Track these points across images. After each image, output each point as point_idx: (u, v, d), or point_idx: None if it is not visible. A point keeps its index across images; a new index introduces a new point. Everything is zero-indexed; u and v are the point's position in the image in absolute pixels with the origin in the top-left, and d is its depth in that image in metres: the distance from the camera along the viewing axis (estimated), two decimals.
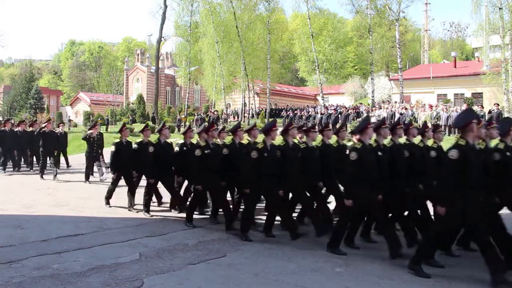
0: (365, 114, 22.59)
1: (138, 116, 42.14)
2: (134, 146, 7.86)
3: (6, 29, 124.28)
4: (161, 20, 35.15)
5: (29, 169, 14.32)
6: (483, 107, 18.89)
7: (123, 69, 59.73)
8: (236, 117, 37.62)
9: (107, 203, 8.14)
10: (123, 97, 56.54)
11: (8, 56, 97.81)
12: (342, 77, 40.09)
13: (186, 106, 37.25)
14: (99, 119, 33.94)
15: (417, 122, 18.76)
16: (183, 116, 32.40)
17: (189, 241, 5.75)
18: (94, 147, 11.32)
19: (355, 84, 46.20)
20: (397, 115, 19.57)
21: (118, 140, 8.12)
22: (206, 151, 6.47)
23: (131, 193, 7.95)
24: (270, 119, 23.70)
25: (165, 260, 4.87)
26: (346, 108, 26.76)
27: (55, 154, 13.16)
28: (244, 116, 35.17)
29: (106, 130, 30.93)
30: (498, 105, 17.49)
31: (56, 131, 13.44)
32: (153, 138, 7.93)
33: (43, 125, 12.60)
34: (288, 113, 29.66)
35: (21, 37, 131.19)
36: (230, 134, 7.24)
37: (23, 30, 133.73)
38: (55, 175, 11.87)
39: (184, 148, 7.42)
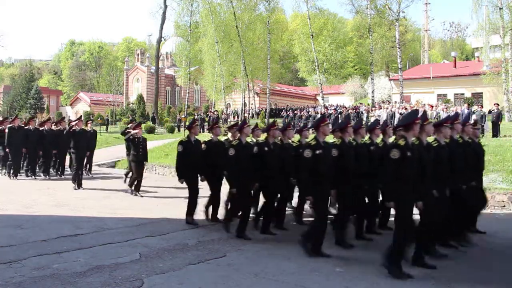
0: (365, 114, 22.61)
1: (138, 116, 42.14)
2: (203, 145, 6.95)
3: (6, 29, 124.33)
4: (161, 20, 35.25)
5: (57, 174, 12.65)
6: (482, 107, 18.87)
7: (123, 69, 59.74)
8: (236, 117, 37.64)
9: (191, 221, 6.73)
10: (123, 97, 56.55)
11: (8, 56, 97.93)
12: (342, 77, 40.13)
13: (186, 106, 37.27)
14: (99, 119, 33.95)
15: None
16: (183, 116, 32.42)
17: (189, 241, 5.75)
18: (140, 150, 9.57)
19: (355, 84, 46.23)
20: (397, 115, 19.56)
21: (185, 139, 6.98)
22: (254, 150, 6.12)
23: (193, 205, 6.80)
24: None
25: (165, 260, 4.87)
26: (346, 108, 26.76)
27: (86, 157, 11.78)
28: (244, 116, 35.17)
29: (106, 130, 30.95)
30: (498, 105, 17.46)
31: (87, 130, 11.91)
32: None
33: (73, 123, 11.07)
34: (288, 113, 29.66)
35: (21, 37, 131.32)
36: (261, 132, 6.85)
37: (23, 30, 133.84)
38: (79, 184, 10.33)
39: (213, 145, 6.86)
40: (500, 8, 23.61)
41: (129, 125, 11.51)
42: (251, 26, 32.87)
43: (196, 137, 7.09)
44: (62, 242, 5.45)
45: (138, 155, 9.57)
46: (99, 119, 33.95)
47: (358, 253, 5.37)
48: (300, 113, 27.15)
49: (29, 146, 12.00)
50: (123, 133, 10.57)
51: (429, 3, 54.29)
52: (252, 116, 35.71)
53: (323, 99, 32.22)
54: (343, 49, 33.92)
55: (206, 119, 28.49)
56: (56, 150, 12.26)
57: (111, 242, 5.55)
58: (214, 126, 7.33)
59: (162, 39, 43.86)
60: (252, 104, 36.87)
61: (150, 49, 64.59)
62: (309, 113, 25.50)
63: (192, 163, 6.71)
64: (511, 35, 23.41)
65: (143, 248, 5.30)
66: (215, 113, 31.62)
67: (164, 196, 9.77)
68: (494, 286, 4.35)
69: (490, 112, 17.71)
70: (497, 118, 16.59)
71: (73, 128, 10.72)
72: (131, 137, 9.73)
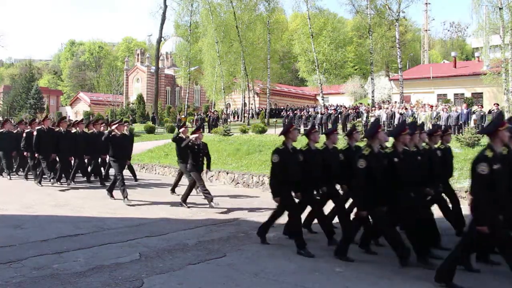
0: (365, 114, 22.59)
1: (138, 116, 42.17)
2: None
3: (6, 29, 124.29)
4: (161, 20, 35.26)
5: (87, 181, 11.44)
6: (482, 107, 18.87)
7: (123, 69, 59.76)
8: (236, 117, 37.65)
9: (307, 253, 5.27)
10: (123, 97, 56.57)
11: (8, 56, 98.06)
12: (342, 77, 40.12)
13: (186, 106, 37.29)
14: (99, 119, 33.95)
15: (417, 122, 18.75)
16: (183, 116, 32.43)
17: (189, 241, 5.75)
18: (199, 158, 8.27)
19: (355, 84, 46.24)
20: (397, 115, 19.56)
21: (281, 146, 5.65)
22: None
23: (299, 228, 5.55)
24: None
25: (165, 260, 4.87)
26: (346, 108, 26.75)
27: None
28: (244, 116, 35.19)
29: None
30: (498, 105, 17.47)
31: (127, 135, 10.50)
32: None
33: (114, 126, 9.19)
34: (288, 113, 29.67)
35: (21, 37, 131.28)
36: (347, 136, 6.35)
37: (23, 30, 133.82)
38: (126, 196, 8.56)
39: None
40: (500, 8, 23.60)
41: (181, 130, 9.65)
42: (251, 26, 32.89)
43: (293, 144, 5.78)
44: (62, 242, 5.45)
45: (198, 164, 8.26)
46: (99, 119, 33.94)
47: (358, 253, 5.37)
48: (300, 113, 27.14)
49: (61, 150, 10.66)
50: (176, 140, 9.20)
51: (429, 3, 54.26)
52: (252, 116, 35.71)
53: (323, 99, 32.22)
54: (343, 49, 33.91)
55: (206, 119, 28.48)
56: (89, 155, 11.18)
57: (111, 242, 5.56)
58: (333, 131, 6.31)
59: (162, 39, 43.87)
60: (252, 104, 36.87)
61: (150, 49, 64.62)
62: (309, 113, 25.48)
63: (292, 176, 5.51)
64: (511, 35, 23.40)
65: (143, 248, 5.30)
66: (215, 113, 31.62)
67: (164, 196, 9.77)
68: (494, 286, 4.35)
69: (490, 112, 17.70)
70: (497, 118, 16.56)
71: (113, 133, 8.92)
72: (189, 143, 8.16)
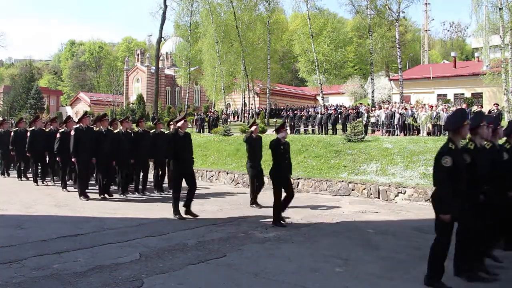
0: (365, 114, 22.58)
1: (138, 116, 42.14)
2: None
3: (6, 29, 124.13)
4: (161, 20, 35.18)
5: (135, 191, 9.99)
6: (482, 107, 18.87)
7: (123, 69, 59.75)
8: (236, 117, 37.64)
9: None
10: (123, 97, 56.57)
11: (8, 56, 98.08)
12: (342, 77, 40.09)
13: (186, 106, 37.26)
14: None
15: (416, 122, 18.76)
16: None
17: (189, 241, 5.75)
18: (286, 159, 7.27)
19: (355, 84, 46.25)
20: (397, 115, 19.56)
21: (452, 146, 4.57)
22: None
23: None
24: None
25: (165, 260, 4.87)
26: (346, 108, 26.75)
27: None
28: (244, 116, 35.18)
29: None
30: (497, 105, 17.47)
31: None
32: None
33: (180, 123, 7.52)
34: (288, 113, 29.66)
35: (21, 37, 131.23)
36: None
37: (23, 30, 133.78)
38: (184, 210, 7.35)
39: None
40: (500, 8, 23.61)
41: (252, 128, 8.78)
42: (251, 26, 32.87)
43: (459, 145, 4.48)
44: (62, 242, 5.45)
45: (283, 167, 7.12)
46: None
47: (359, 253, 5.38)
48: (300, 113, 27.13)
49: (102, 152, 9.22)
50: (249, 140, 8.37)
51: (429, 3, 54.35)
52: (252, 116, 35.70)
53: (323, 99, 32.23)
54: (343, 49, 33.88)
55: (206, 119, 28.47)
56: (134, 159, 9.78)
57: (111, 242, 5.56)
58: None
59: (162, 39, 43.81)
60: (252, 104, 36.81)
61: (150, 49, 64.61)
62: (309, 113, 25.46)
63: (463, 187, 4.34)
64: (511, 35, 23.41)
65: (143, 248, 5.31)
66: (215, 113, 31.61)
67: (164, 196, 9.77)
68: (494, 286, 4.35)
69: (490, 112, 17.70)
70: (497, 119, 16.58)
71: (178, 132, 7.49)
72: (273, 142, 7.11)
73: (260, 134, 8.92)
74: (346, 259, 5.06)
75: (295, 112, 28.26)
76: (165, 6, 35.03)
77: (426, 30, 54.45)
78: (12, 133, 12.46)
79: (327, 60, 31.47)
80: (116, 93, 54.63)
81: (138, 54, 58.78)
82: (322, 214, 8.18)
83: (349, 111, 23.32)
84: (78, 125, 9.10)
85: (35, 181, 11.21)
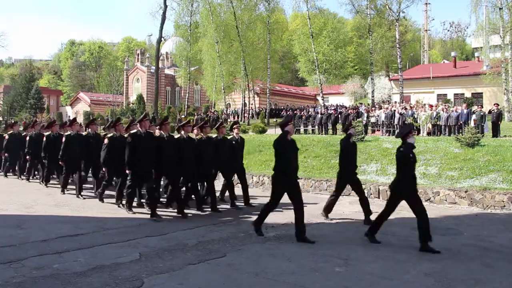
0: (365, 114, 22.57)
1: (138, 116, 42.14)
2: None
3: (6, 29, 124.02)
4: (161, 20, 35.13)
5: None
6: (482, 107, 18.87)
7: (123, 69, 59.73)
8: (236, 117, 37.64)
9: None
10: (123, 97, 56.56)
11: (8, 56, 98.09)
12: (342, 77, 40.09)
13: (186, 106, 37.28)
14: (99, 119, 33.93)
15: (417, 122, 18.76)
16: (183, 116, 32.41)
17: (189, 241, 5.75)
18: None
19: (355, 84, 46.24)
20: (397, 115, 19.56)
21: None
22: None
23: None
24: None
25: (165, 260, 4.87)
26: (346, 108, 26.75)
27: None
28: (244, 116, 35.18)
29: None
30: (497, 105, 17.45)
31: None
32: None
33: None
34: (288, 113, 29.67)
35: (21, 37, 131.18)
36: None
37: (23, 30, 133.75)
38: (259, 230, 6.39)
39: None
40: (500, 8, 23.63)
41: (354, 129, 8.42)
42: (251, 26, 32.88)
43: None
44: (62, 242, 5.46)
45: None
46: (99, 119, 33.93)
47: (358, 253, 5.38)
48: (300, 113, 27.14)
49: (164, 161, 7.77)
50: (348, 142, 7.59)
51: (429, 3, 54.38)
52: (252, 116, 35.71)
53: (323, 99, 32.24)
54: (343, 49, 33.89)
55: (206, 119, 28.46)
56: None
57: (111, 242, 5.56)
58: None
59: (162, 39, 43.76)
60: (252, 104, 36.85)
61: (150, 49, 64.60)
62: (309, 113, 25.47)
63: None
64: (511, 35, 23.43)
65: (143, 248, 5.31)
66: (215, 113, 31.63)
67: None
68: (493, 286, 4.35)
69: (490, 112, 17.70)
70: (497, 118, 16.58)
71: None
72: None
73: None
74: (346, 259, 5.06)
75: (295, 112, 28.27)
76: (165, 6, 34.99)
77: (426, 30, 54.45)
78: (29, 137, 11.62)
79: (327, 60, 31.48)
80: (116, 93, 54.64)
81: (138, 54, 58.77)
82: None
83: (349, 111, 23.32)
84: (135, 130, 7.61)
85: (64, 187, 9.82)
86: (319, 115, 22.98)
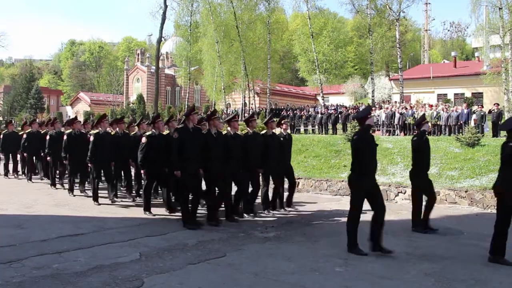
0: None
1: (138, 116, 42.15)
2: None
3: (6, 29, 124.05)
4: (161, 20, 35.10)
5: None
6: (483, 107, 18.87)
7: (123, 69, 59.74)
8: (236, 116, 37.58)
9: None
10: (123, 97, 56.57)
11: (8, 56, 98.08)
12: (342, 77, 40.11)
13: (186, 106, 37.25)
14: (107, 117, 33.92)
15: None
16: (183, 116, 32.40)
17: (189, 241, 5.75)
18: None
19: (355, 84, 46.24)
20: (397, 115, 19.56)
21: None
22: None
23: None
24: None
25: (165, 260, 4.87)
26: (346, 108, 26.74)
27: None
28: (244, 116, 35.18)
29: None
30: (498, 105, 17.45)
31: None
32: None
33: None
34: (288, 113, 29.66)
35: (21, 37, 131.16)
36: None
37: (23, 30, 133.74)
38: None
39: None
40: (499, 8, 23.61)
41: (428, 123, 7.54)
42: (251, 26, 32.88)
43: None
44: (62, 242, 5.46)
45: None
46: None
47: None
48: (300, 113, 27.14)
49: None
50: (421, 140, 6.76)
51: (429, 3, 54.33)
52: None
53: (323, 99, 32.22)
54: (343, 49, 33.91)
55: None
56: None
57: (111, 242, 5.56)
58: None
59: (162, 39, 43.75)
60: (252, 104, 36.82)
61: (150, 49, 64.58)
62: (309, 113, 25.46)
63: None
64: (511, 35, 23.41)
65: (143, 248, 5.31)
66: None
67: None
68: (493, 286, 4.35)
69: (490, 112, 17.70)
70: (497, 118, 16.58)
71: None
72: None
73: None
74: (346, 259, 5.06)
75: (295, 112, 28.26)
76: (165, 6, 34.96)
77: (426, 30, 54.43)
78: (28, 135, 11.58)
79: (327, 60, 31.49)
80: (116, 93, 54.67)
81: (138, 54, 58.78)
82: (322, 214, 8.18)
83: (349, 111, 23.32)
84: (182, 125, 6.82)
85: (71, 188, 9.58)
86: (319, 115, 22.98)
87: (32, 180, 11.70)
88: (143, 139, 7.67)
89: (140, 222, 6.93)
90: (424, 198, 6.68)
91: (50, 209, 7.83)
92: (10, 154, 12.62)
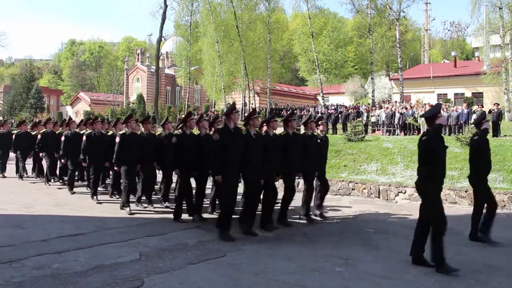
0: (365, 114, 22.56)
1: (138, 116, 42.15)
2: None
3: (6, 29, 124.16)
4: (161, 19, 35.14)
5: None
6: (483, 107, 18.87)
7: (123, 69, 59.75)
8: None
9: None
10: (123, 97, 56.57)
11: (8, 56, 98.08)
12: (342, 76, 40.11)
13: (186, 106, 37.27)
14: (99, 118, 33.95)
15: (417, 122, 18.77)
16: (183, 116, 32.40)
17: (189, 240, 5.75)
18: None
19: (355, 84, 46.24)
20: (397, 115, 19.57)
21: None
22: None
23: None
24: None
25: (165, 259, 4.87)
26: (346, 108, 26.75)
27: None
28: (244, 116, 35.17)
29: None
30: (498, 104, 17.46)
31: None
32: None
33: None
34: (288, 112, 29.71)
35: (21, 37, 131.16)
36: None
37: (23, 30, 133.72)
38: None
39: None
40: (499, 8, 23.62)
41: (488, 122, 7.02)
42: (251, 26, 32.91)
43: None
44: (63, 242, 5.45)
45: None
46: (99, 118, 33.97)
47: (359, 252, 5.38)
48: (300, 112, 27.16)
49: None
50: (482, 140, 6.25)
51: (429, 3, 54.24)
52: None
53: (323, 99, 32.24)
54: (343, 48, 33.91)
55: (206, 118, 28.49)
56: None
57: (112, 241, 5.56)
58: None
59: (163, 38, 43.80)
60: (252, 103, 36.85)
61: (150, 48, 64.59)
62: (309, 113, 25.48)
63: None
64: (511, 34, 23.42)
65: (143, 248, 5.31)
66: (215, 112, 31.61)
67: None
68: (493, 286, 4.35)
69: (490, 111, 17.70)
70: (497, 118, 16.58)
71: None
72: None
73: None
74: (346, 259, 5.06)
75: (295, 111, 28.27)
76: (165, 6, 34.99)
77: (427, 30, 54.38)
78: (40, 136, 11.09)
79: (328, 59, 31.51)
80: (116, 92, 54.67)
81: (138, 54, 58.78)
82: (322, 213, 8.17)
83: (349, 111, 23.33)
84: (221, 126, 6.55)
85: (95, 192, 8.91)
86: (319, 115, 22.99)
87: (49, 183, 10.81)
88: (174, 139, 7.32)
89: (140, 222, 6.92)
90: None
91: (50, 209, 7.82)
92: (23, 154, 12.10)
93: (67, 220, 6.86)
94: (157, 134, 8.85)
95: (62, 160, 9.89)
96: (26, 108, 53.11)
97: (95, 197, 8.60)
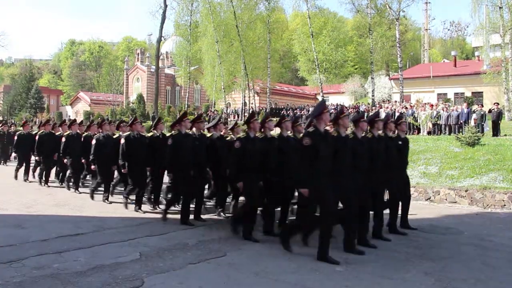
0: (365, 114, 22.55)
1: (138, 115, 42.17)
2: None
3: (6, 29, 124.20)
4: (161, 19, 35.16)
5: None
6: (483, 106, 18.87)
7: (123, 69, 59.75)
8: (236, 116, 37.65)
9: None
10: (123, 97, 56.57)
11: (8, 56, 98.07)
12: (342, 76, 40.12)
13: (186, 106, 37.29)
14: (99, 118, 33.95)
15: (417, 122, 18.77)
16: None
17: (189, 240, 5.74)
18: None
19: (355, 84, 46.25)
20: (397, 114, 19.56)
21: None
22: None
23: None
24: None
25: (166, 259, 4.87)
26: (347, 108, 26.75)
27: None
28: (244, 116, 35.21)
29: None
30: (498, 104, 17.47)
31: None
32: None
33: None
34: (288, 112, 29.66)
35: (21, 37, 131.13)
36: None
37: (23, 30, 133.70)
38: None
39: None
40: (500, 7, 23.63)
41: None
42: (251, 26, 32.93)
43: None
44: (63, 242, 5.45)
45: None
46: (99, 118, 33.96)
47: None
48: (300, 112, 27.17)
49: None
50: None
51: (429, 2, 54.25)
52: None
53: (323, 99, 32.25)
54: (343, 48, 33.95)
55: (206, 118, 28.48)
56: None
57: (112, 241, 5.55)
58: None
59: (162, 38, 43.81)
60: (252, 103, 36.86)
61: (150, 48, 64.58)
62: (309, 113, 25.49)
63: None
64: (511, 34, 23.43)
65: (143, 248, 5.30)
66: (215, 112, 31.66)
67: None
68: (494, 285, 4.35)
69: (490, 111, 17.71)
70: (497, 117, 16.59)
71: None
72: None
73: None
74: (346, 259, 5.06)
75: (295, 111, 28.28)
76: (165, 6, 35.00)
77: (427, 29, 54.38)
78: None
79: (327, 59, 31.54)
80: (116, 92, 54.69)
81: (138, 54, 58.78)
82: None
83: (349, 110, 23.31)
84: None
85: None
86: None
87: (79, 190, 9.75)
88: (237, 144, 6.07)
89: (140, 222, 6.92)
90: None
91: (50, 209, 7.82)
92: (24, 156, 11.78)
93: (67, 220, 6.86)
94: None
95: (93, 167, 8.80)
96: (26, 108, 53.14)
97: (137, 208, 7.67)
